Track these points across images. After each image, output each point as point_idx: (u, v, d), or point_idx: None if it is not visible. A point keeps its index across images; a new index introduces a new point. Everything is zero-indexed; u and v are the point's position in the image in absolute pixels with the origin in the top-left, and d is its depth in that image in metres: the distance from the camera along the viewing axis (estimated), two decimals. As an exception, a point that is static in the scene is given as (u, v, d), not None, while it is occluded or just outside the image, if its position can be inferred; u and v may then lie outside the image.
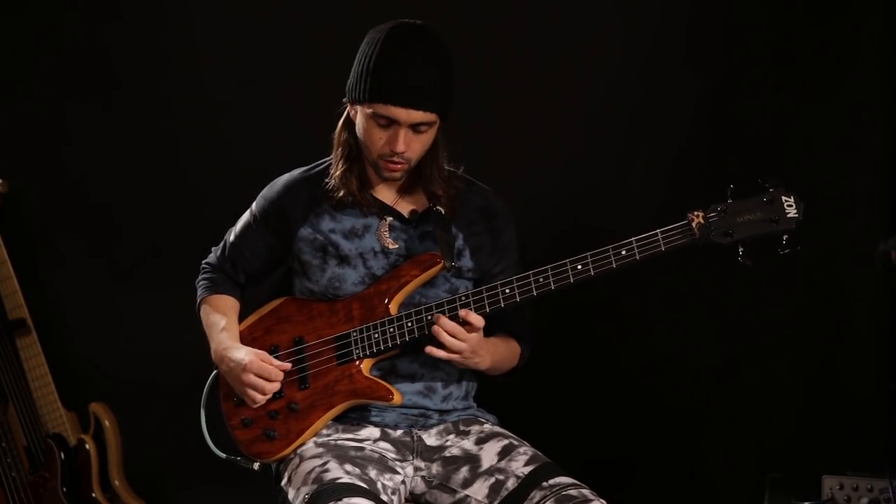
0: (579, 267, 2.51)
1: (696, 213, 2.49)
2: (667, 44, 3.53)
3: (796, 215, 2.46)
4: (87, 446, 3.84)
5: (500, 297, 2.55)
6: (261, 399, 2.63)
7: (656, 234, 2.49)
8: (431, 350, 2.54)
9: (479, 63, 3.45)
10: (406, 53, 2.53)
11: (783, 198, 2.46)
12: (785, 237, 2.46)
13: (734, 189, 2.49)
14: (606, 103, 3.58)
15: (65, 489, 3.80)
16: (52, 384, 3.86)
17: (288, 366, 2.64)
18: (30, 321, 3.86)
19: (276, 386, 2.63)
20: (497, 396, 2.83)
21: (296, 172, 2.76)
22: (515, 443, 2.65)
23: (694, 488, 3.56)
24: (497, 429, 2.72)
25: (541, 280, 2.53)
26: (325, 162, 2.74)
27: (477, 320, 2.53)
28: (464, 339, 2.53)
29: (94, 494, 3.83)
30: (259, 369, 2.61)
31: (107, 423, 3.87)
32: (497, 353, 2.66)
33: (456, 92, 2.61)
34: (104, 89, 3.94)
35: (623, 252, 2.50)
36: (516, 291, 2.54)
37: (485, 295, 2.55)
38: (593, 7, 3.58)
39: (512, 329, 2.73)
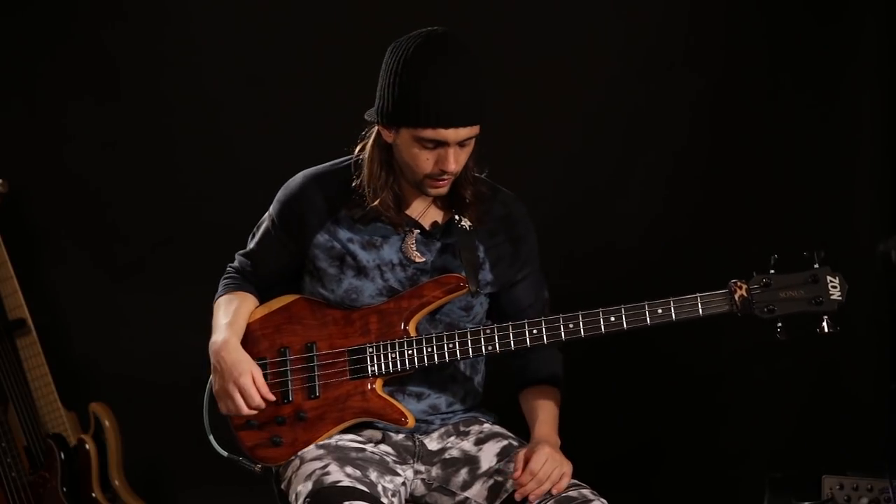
0: (612, 318, 2.49)
1: (739, 283, 2.45)
2: (666, 45, 3.53)
3: (840, 298, 2.42)
4: (87, 446, 3.84)
5: (527, 336, 2.52)
6: (228, 412, 2.58)
7: (695, 299, 2.46)
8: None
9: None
10: (441, 71, 2.45)
11: (828, 278, 2.42)
12: (825, 318, 2.44)
13: (778, 259, 2.44)
14: (606, 104, 3.58)
15: (65, 489, 3.80)
16: (52, 384, 3.85)
17: (272, 398, 2.58)
18: (30, 321, 3.85)
19: (250, 413, 2.57)
20: (497, 396, 2.82)
21: (311, 172, 2.68)
22: (515, 443, 2.64)
23: (694, 488, 3.56)
24: (497, 428, 2.71)
25: (570, 326, 2.50)
26: (344, 161, 2.67)
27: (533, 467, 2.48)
28: (544, 477, 2.47)
29: (94, 494, 3.83)
30: (246, 387, 2.55)
31: (107, 423, 3.87)
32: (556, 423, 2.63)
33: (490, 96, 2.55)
34: (105, 89, 3.94)
35: (659, 311, 2.47)
36: (544, 334, 2.52)
37: (511, 332, 2.52)
38: (593, 8, 3.58)
39: (545, 369, 2.68)
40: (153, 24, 3.89)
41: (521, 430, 2.73)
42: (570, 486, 2.48)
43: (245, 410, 2.56)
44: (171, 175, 3.91)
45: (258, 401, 2.56)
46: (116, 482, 3.87)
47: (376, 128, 2.57)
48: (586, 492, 2.48)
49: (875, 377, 3.40)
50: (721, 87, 3.49)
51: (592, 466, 2.78)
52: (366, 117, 2.58)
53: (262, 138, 3.77)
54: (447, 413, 2.68)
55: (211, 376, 2.71)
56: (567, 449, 2.76)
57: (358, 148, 2.64)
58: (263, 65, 3.80)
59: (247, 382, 2.56)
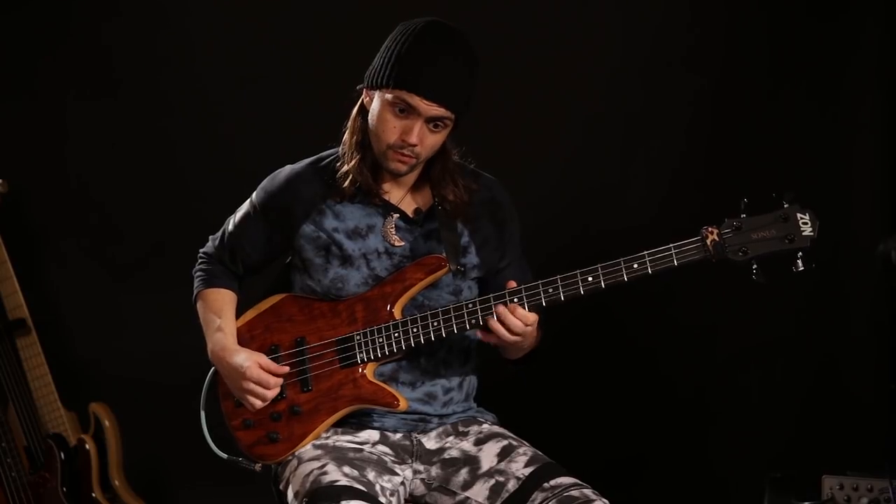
0: (590, 279, 2.49)
1: (710, 229, 2.45)
2: (666, 44, 3.53)
3: (811, 234, 2.42)
4: (87, 446, 3.84)
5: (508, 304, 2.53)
6: (260, 405, 2.62)
7: (669, 249, 2.46)
8: (486, 337, 2.53)
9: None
10: (441, 47, 2.51)
11: (798, 215, 2.42)
12: (799, 255, 2.43)
13: (748, 203, 2.45)
14: (606, 104, 3.58)
15: (65, 489, 3.80)
16: (52, 384, 3.86)
17: (286, 369, 2.62)
18: (30, 321, 3.86)
19: (274, 392, 2.62)
20: (497, 396, 2.82)
21: (298, 166, 2.71)
22: (514, 443, 2.63)
23: (695, 488, 3.57)
24: (496, 428, 2.71)
25: (550, 290, 2.50)
26: (330, 155, 2.70)
27: (525, 317, 2.51)
28: (521, 333, 2.52)
29: (94, 494, 3.83)
30: (258, 377, 2.60)
31: (107, 423, 3.87)
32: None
33: (475, 99, 2.57)
34: (104, 89, 3.94)
35: (635, 265, 2.47)
36: (525, 301, 2.52)
37: (493, 303, 2.53)
38: (593, 7, 3.58)
39: None
40: (153, 24, 3.89)
41: (521, 430, 2.73)
42: (571, 486, 2.48)
43: (268, 395, 2.60)
44: (171, 175, 3.92)
45: (273, 380, 2.60)
46: (116, 482, 3.87)
47: (362, 96, 2.60)
48: (588, 492, 2.48)
49: (875, 377, 3.40)
50: (721, 86, 3.49)
51: (593, 467, 2.78)
52: (357, 88, 2.62)
53: (263, 138, 3.77)
54: (444, 403, 2.68)
55: (205, 382, 2.74)
56: (569, 449, 2.76)
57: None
58: (264, 65, 3.81)
59: (255, 372, 2.59)
